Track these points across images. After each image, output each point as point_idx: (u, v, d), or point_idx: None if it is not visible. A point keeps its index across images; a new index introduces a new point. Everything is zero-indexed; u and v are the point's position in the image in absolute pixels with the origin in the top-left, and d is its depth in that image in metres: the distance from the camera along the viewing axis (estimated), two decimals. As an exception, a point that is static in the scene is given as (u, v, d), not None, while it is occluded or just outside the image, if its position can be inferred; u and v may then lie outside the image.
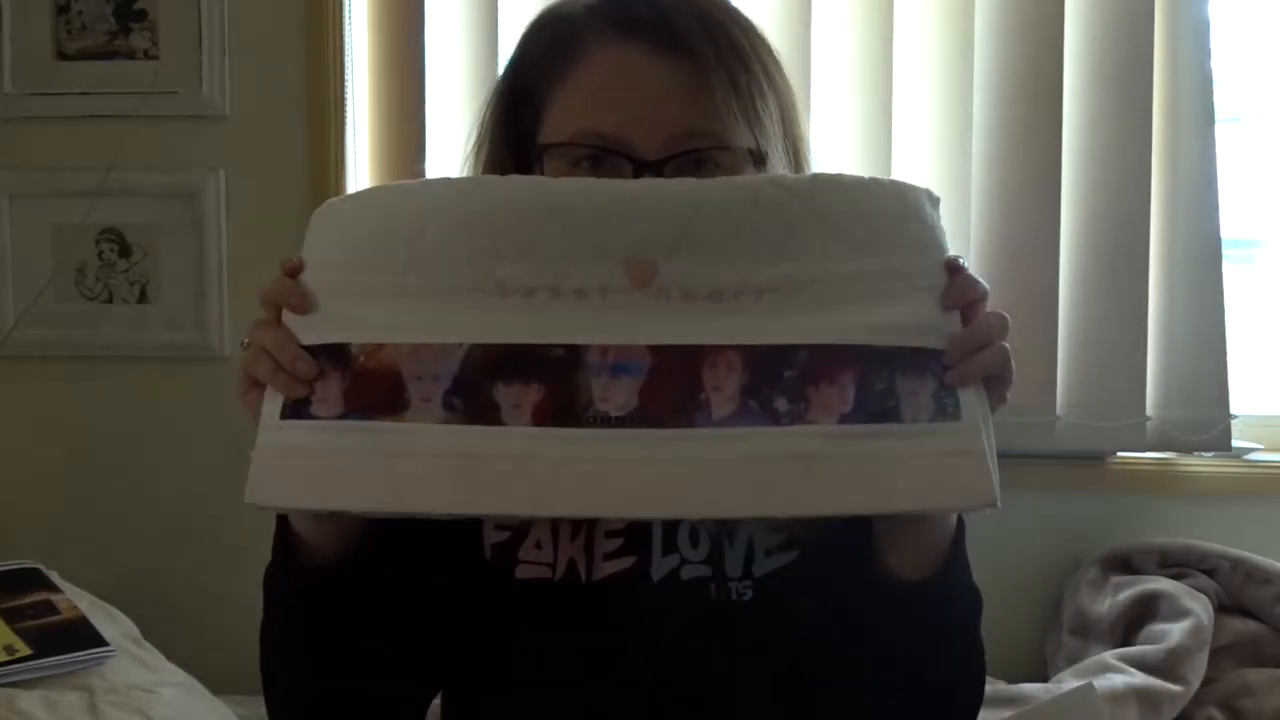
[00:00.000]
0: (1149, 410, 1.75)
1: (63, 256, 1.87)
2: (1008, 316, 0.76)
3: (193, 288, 1.85)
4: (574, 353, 0.73)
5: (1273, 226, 1.86)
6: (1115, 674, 1.54)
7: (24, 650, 1.41)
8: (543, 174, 0.84)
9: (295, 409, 0.74)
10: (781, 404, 0.72)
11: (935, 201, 0.78)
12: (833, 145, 1.77)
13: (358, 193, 0.85)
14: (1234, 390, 1.73)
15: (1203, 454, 1.77)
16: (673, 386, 0.73)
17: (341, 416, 0.73)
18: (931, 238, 0.76)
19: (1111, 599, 1.66)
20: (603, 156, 0.81)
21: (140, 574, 1.85)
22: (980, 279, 0.76)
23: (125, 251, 1.87)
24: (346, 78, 1.82)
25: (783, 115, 0.86)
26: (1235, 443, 1.75)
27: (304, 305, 0.75)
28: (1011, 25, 1.74)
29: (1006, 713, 1.45)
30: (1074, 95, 1.74)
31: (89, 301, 1.87)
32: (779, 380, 0.73)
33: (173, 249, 1.86)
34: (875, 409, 0.72)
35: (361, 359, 0.74)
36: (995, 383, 0.76)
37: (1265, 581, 1.64)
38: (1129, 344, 1.74)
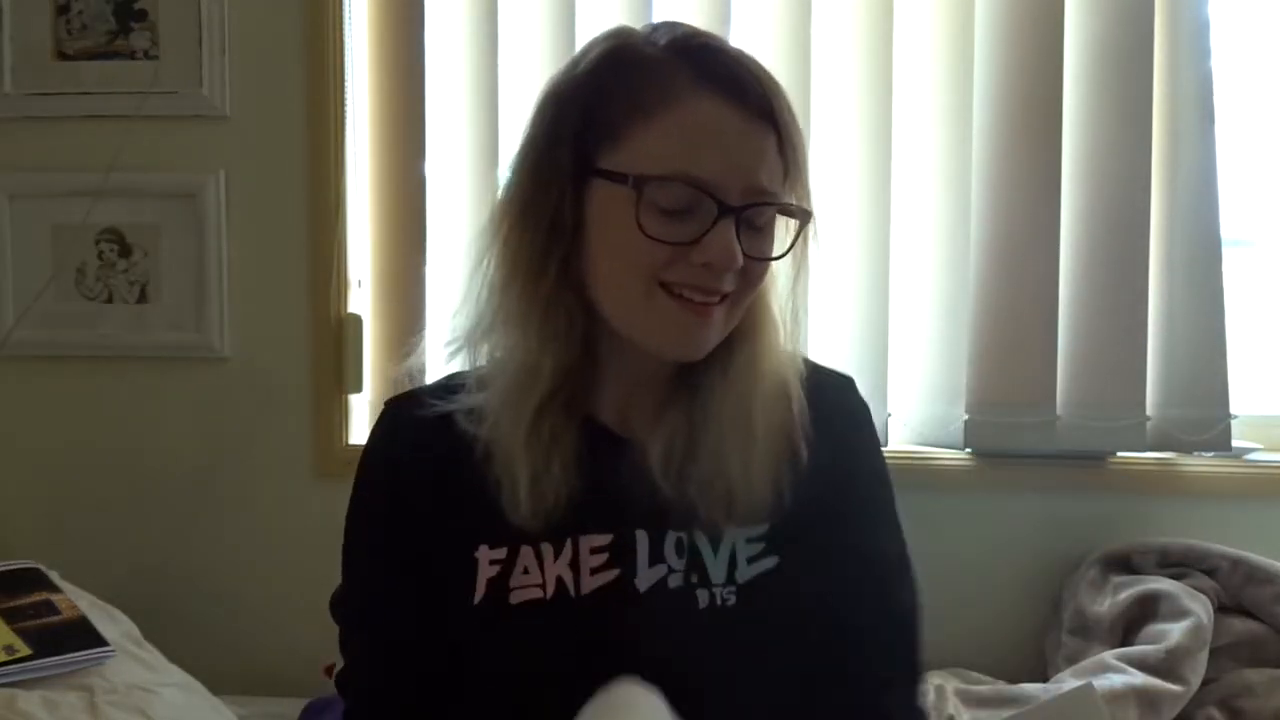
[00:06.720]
0: (1149, 410, 1.75)
1: (63, 256, 1.87)
2: None
3: (193, 288, 1.85)
4: None
5: (1271, 226, 1.86)
6: (1115, 674, 1.54)
7: (24, 650, 1.41)
8: (618, 198, 0.88)
9: None
10: None
11: None
12: (833, 145, 1.77)
13: None
14: (1234, 390, 1.73)
15: (1203, 454, 1.77)
16: None
17: None
18: None
19: (1111, 599, 1.66)
20: (697, 197, 0.87)
21: (140, 574, 1.85)
22: None
23: (125, 251, 1.86)
24: (346, 78, 1.82)
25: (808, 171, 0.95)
26: (1235, 443, 1.75)
27: None
28: (1012, 26, 1.74)
29: (1006, 713, 1.45)
30: (1074, 95, 1.74)
31: (89, 301, 1.87)
32: None
33: (173, 249, 1.86)
34: None
35: None
36: None
37: (1265, 581, 1.64)
38: (1129, 344, 1.74)
